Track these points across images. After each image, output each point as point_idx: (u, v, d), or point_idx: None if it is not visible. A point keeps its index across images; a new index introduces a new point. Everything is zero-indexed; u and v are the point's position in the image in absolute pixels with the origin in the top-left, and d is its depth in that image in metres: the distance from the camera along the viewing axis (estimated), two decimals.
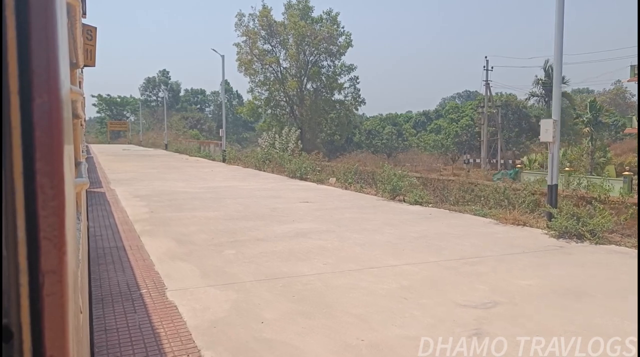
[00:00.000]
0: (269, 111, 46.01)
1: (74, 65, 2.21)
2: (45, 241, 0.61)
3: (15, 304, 0.60)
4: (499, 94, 50.52)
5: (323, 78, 44.98)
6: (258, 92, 45.84)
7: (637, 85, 38.26)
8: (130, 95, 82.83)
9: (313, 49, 43.96)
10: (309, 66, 44.57)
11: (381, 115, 63.30)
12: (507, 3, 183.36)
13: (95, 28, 6.84)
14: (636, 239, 7.05)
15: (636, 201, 8.39)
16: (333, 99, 46.49)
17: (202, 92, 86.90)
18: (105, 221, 8.54)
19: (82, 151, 3.67)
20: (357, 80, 46.90)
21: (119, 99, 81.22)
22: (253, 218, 8.90)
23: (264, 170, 20.38)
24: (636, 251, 6.61)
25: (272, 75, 45.14)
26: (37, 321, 0.61)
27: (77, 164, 1.99)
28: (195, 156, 32.21)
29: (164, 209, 9.87)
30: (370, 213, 9.71)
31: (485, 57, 45.89)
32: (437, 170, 32.09)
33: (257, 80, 45.21)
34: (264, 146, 25.68)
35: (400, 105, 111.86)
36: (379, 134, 57.73)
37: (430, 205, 10.83)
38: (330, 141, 47.81)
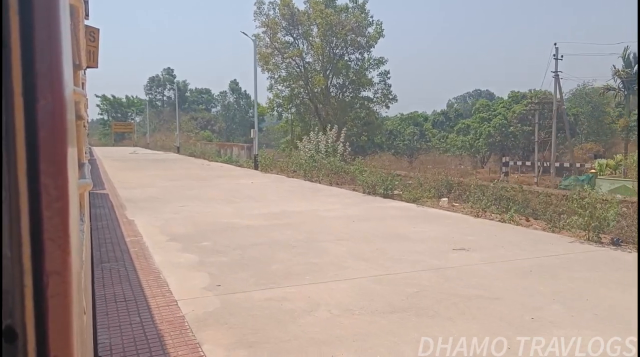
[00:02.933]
0: (293, 109, 41.55)
1: (76, 67, 2.21)
2: (50, 242, 0.61)
3: (20, 305, 0.60)
4: (532, 91, 46.54)
5: (351, 73, 39.74)
6: (278, 89, 40.89)
7: (637, 85, 37.98)
8: (135, 96, 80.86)
9: (340, 41, 38.84)
10: (336, 60, 39.56)
11: (402, 114, 59.52)
12: (508, 3, 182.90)
13: (98, 29, 6.85)
14: None
15: None
16: (360, 96, 41.47)
17: (208, 91, 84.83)
18: (135, 332, 4.06)
19: (85, 153, 3.68)
20: (388, 75, 41.54)
21: (124, 100, 78.92)
22: (442, 314, 4.51)
23: (319, 182, 16.65)
24: None
25: (294, 70, 40.16)
26: (42, 322, 0.61)
27: (80, 165, 2.00)
28: (216, 161, 28.28)
29: (238, 277, 5.58)
30: None
31: (555, 44, 37.38)
32: (468, 173, 27.00)
33: (277, 76, 40.39)
34: (307, 149, 20.56)
35: (403, 106, 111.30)
36: (400, 135, 54.13)
37: None
38: (351, 142, 42.06)
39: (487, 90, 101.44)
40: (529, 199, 10.55)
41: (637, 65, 38.95)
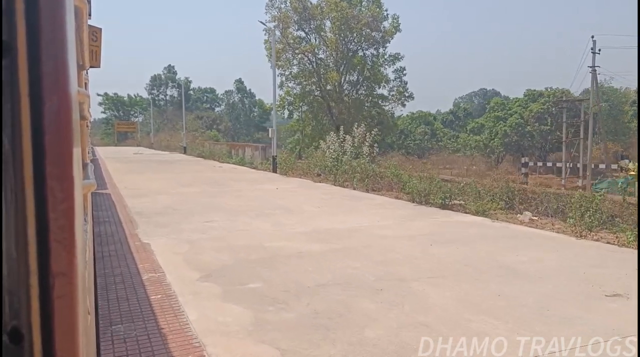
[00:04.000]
0: (305, 108, 39.52)
1: (80, 67, 2.22)
2: (55, 243, 0.62)
3: (26, 306, 0.60)
4: (548, 89, 45.17)
5: (366, 69, 37.58)
6: (289, 86, 38.80)
7: (637, 85, 37.76)
8: (137, 94, 79.75)
9: (355, 36, 36.64)
10: (349, 55, 37.46)
11: (412, 113, 58.04)
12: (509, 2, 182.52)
13: (100, 29, 6.88)
14: None
15: None
16: (375, 93, 39.17)
17: (212, 90, 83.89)
18: None
19: (88, 153, 3.69)
20: (404, 72, 39.32)
21: (126, 99, 77.57)
22: None
23: (353, 188, 14.55)
24: None
25: (306, 66, 38.06)
26: (48, 323, 0.61)
27: (84, 166, 2.01)
28: (228, 163, 26.33)
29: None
30: None
31: (592, 37, 34.13)
32: (485, 174, 22.12)
33: (288, 74, 38.17)
34: (332, 150, 18.63)
35: (407, 106, 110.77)
36: (411, 134, 52.92)
37: None
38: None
39: (493, 89, 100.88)
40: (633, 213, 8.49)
41: (638, 68, 38.56)
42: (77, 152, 0.73)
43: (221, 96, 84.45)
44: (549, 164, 34.78)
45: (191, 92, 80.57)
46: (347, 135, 18.75)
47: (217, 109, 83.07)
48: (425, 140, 52.39)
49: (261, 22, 23.51)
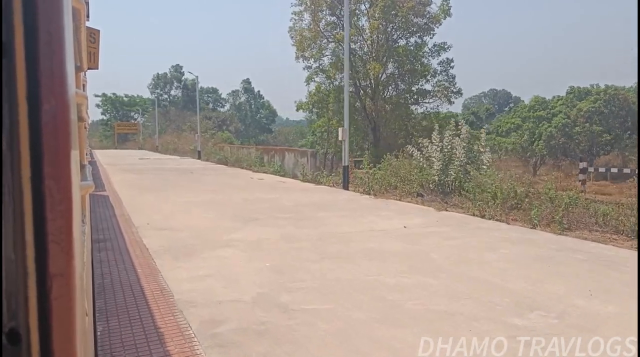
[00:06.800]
0: (337, 106, 33.74)
1: (78, 69, 2.22)
2: (53, 245, 0.62)
3: (24, 307, 0.60)
4: (593, 86, 41.36)
5: (408, 61, 31.96)
6: (315, 80, 33.19)
7: (637, 85, 37.50)
8: (138, 95, 77.26)
9: (401, 20, 30.86)
10: (390, 43, 31.87)
11: (438, 113, 56.17)
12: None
13: (99, 31, 6.89)
14: None
15: None
16: (415, 88, 33.50)
17: (215, 90, 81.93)
18: None
19: (86, 155, 3.69)
20: (451, 64, 33.57)
21: (126, 99, 74.83)
22: None
23: (520, 224, 9.05)
24: None
25: (341, 57, 32.24)
26: (45, 324, 0.61)
27: (82, 167, 2.00)
28: (266, 172, 20.83)
29: None
30: None
31: None
32: (534, 182, 15.40)
33: (315, 66, 32.68)
34: (434, 158, 13.30)
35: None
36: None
37: None
38: (388, 144, 30.22)
39: (503, 89, 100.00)
40: None
41: (637, 69, 38.49)
42: (74, 153, 0.73)
43: (225, 97, 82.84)
44: (601, 170, 30.23)
45: (193, 93, 79.49)
46: (457, 137, 13.45)
47: (220, 109, 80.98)
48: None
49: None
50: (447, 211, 10.67)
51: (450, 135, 13.62)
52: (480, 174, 11.92)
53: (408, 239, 7.67)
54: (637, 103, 34.88)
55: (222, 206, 10.98)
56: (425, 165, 13.55)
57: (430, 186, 12.75)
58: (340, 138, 15.09)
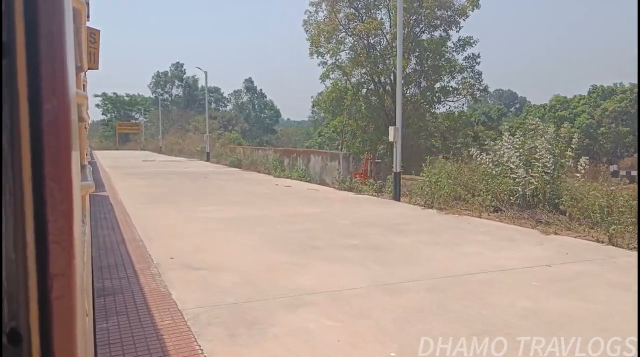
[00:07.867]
0: (357, 104, 31.42)
1: (78, 69, 2.22)
2: (54, 245, 0.62)
3: (24, 307, 0.60)
4: (617, 85, 40.00)
5: (432, 56, 29.98)
6: (332, 76, 30.93)
7: (637, 86, 37.30)
8: (139, 94, 76.21)
9: (428, 13, 28.72)
10: (413, 36, 29.75)
11: (451, 113, 55.30)
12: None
13: (99, 31, 6.90)
14: None
15: None
16: (437, 86, 31.08)
17: (217, 90, 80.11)
18: None
19: (86, 155, 3.69)
20: (478, 60, 31.16)
21: (127, 98, 73.67)
22: None
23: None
24: None
25: (361, 51, 29.68)
26: (46, 324, 0.61)
27: (82, 167, 2.01)
28: (286, 176, 18.78)
29: None
30: None
31: None
32: None
33: (332, 62, 30.37)
34: (511, 161, 10.99)
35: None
36: (451, 136, 49.47)
37: None
38: (410, 146, 27.79)
39: (509, 90, 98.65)
40: None
41: (637, 70, 38.32)
42: (75, 154, 0.73)
43: (227, 96, 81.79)
44: (622, 173, 28.54)
45: (195, 93, 78.32)
46: (540, 138, 10.99)
47: (222, 109, 79.95)
48: (468, 144, 49.41)
49: None
50: (556, 234, 8.23)
51: (529, 136, 11.43)
52: (575, 184, 9.99)
53: (565, 289, 5.18)
54: (637, 103, 34.70)
55: (260, 226, 8.62)
56: (494, 172, 11.28)
57: (511, 198, 10.44)
58: (391, 139, 12.97)
